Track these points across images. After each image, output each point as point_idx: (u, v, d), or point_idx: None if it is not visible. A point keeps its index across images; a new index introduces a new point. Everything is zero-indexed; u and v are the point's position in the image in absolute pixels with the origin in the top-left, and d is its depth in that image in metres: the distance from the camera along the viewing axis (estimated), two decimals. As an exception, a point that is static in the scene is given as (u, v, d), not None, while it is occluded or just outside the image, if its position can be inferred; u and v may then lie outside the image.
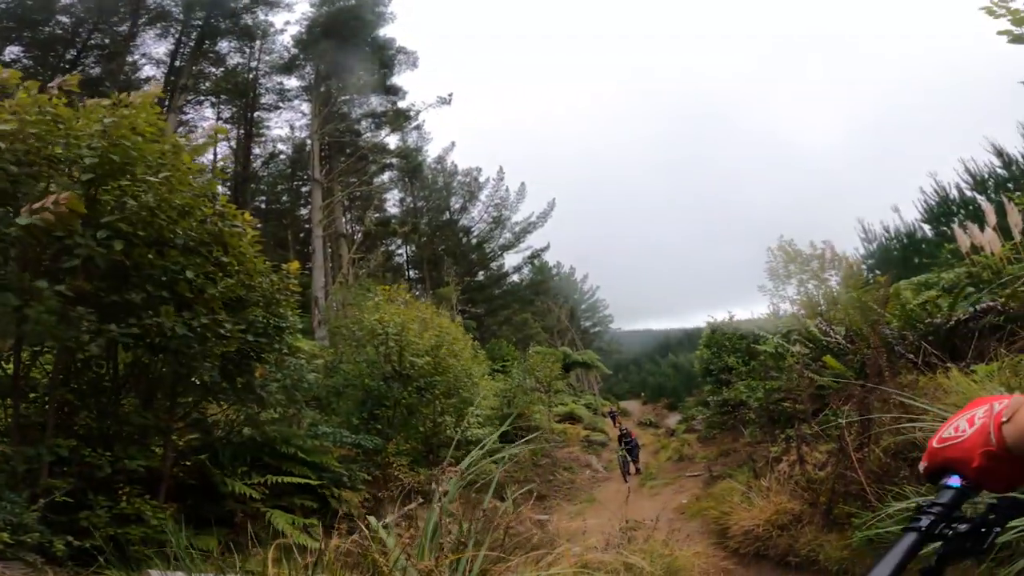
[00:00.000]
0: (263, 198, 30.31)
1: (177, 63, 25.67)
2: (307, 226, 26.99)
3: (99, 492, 4.71)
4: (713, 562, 4.41)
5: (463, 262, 34.31)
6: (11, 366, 4.67)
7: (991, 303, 5.49)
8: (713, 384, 14.75)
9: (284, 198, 31.22)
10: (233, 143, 27.95)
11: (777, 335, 9.79)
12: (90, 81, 19.89)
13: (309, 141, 25.25)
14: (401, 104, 28.77)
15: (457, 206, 34.87)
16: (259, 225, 6.10)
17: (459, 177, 34.36)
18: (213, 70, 27.33)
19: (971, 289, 6.97)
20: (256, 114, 29.07)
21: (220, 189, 13.36)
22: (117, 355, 5.34)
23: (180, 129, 21.31)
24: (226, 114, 28.61)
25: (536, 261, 37.30)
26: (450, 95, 25.93)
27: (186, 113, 26.40)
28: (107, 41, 24.20)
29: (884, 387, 4.48)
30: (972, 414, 0.70)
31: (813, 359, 7.49)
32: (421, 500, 7.96)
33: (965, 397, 3.93)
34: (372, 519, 3.95)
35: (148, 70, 25.37)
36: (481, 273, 36.17)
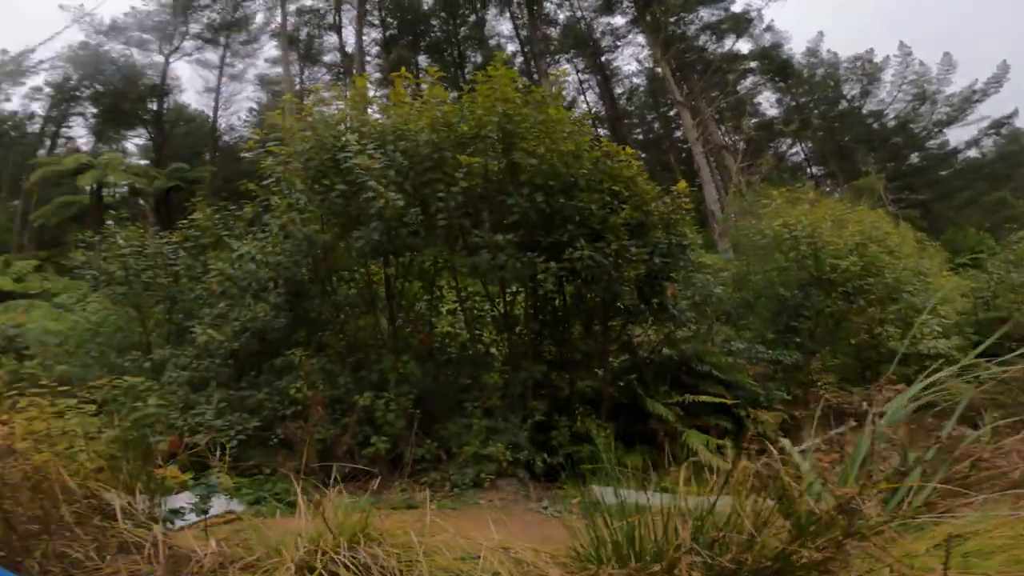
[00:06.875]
0: (638, 131, 32.43)
1: (523, 33, 29.02)
2: (685, 146, 27.53)
3: (561, 413, 5.74)
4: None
5: (882, 148, 29.03)
6: (501, 306, 6.27)
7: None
8: None
9: (656, 126, 32.64)
10: (597, 90, 31.17)
11: None
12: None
13: (659, 69, 25.36)
14: (734, 8, 26.24)
15: (855, 92, 29.99)
16: (641, 155, 6.70)
17: (844, 64, 29.47)
18: (552, 31, 29.99)
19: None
20: (604, 58, 30.90)
21: (602, 132, 14.57)
22: (564, 289, 6.45)
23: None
24: (580, 65, 31.39)
25: (1003, 130, 28.69)
26: (787, -12, 20.94)
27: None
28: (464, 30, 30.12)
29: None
30: None
31: None
32: (854, 423, 6.82)
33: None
34: (786, 441, 3.64)
35: (510, 47, 29.76)
36: (915, 155, 29.99)
